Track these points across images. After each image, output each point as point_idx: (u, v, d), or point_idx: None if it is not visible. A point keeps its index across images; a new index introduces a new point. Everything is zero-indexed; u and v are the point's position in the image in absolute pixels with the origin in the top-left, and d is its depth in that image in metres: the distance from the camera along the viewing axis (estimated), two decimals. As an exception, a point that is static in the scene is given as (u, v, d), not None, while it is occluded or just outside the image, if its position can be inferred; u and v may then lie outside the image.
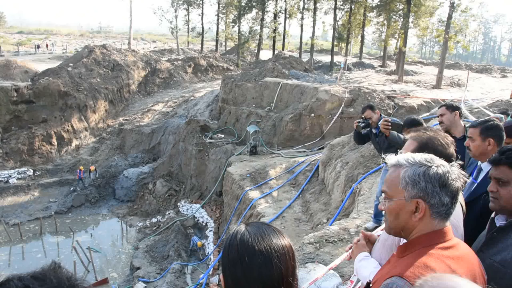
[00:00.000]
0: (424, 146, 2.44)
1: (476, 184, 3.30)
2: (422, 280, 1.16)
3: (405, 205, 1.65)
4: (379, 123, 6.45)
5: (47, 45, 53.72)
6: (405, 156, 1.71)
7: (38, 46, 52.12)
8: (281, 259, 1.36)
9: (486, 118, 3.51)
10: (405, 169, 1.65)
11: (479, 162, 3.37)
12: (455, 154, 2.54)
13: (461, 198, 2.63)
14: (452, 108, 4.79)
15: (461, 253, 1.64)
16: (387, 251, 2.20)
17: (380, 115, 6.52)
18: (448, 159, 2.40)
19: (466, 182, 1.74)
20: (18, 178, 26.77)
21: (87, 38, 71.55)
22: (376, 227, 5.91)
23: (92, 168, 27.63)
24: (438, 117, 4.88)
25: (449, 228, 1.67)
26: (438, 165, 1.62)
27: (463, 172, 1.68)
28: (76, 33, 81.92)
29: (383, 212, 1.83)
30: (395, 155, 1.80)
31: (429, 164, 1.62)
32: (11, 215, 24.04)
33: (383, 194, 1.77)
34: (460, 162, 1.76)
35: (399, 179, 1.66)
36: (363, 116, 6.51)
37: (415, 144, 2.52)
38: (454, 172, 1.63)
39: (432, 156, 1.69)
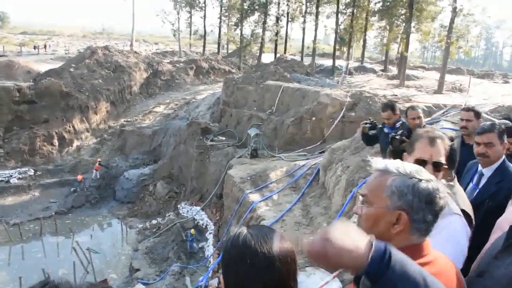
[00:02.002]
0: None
1: (477, 190, 3.26)
2: None
3: (385, 215, 1.57)
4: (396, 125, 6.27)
5: (45, 46, 53.10)
6: (394, 163, 1.63)
7: (35, 47, 51.84)
8: (283, 263, 1.35)
9: (492, 122, 3.47)
10: (393, 178, 1.56)
11: (479, 167, 3.32)
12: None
13: (469, 209, 2.58)
14: (479, 115, 4.49)
15: (437, 269, 1.56)
16: None
17: (400, 117, 6.25)
18: (455, 154, 2.43)
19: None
20: (19, 178, 26.78)
21: (90, 39, 71.76)
22: None
23: (99, 159, 27.79)
24: (461, 120, 4.59)
25: (427, 242, 1.60)
26: (428, 180, 1.55)
27: (448, 191, 1.61)
28: (78, 34, 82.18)
29: (357, 217, 1.73)
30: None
31: (419, 177, 1.54)
32: (11, 215, 24.03)
33: (361, 198, 1.68)
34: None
35: (385, 187, 1.57)
36: (370, 118, 6.37)
37: (426, 141, 2.54)
38: (441, 190, 1.56)
39: (422, 168, 1.61)
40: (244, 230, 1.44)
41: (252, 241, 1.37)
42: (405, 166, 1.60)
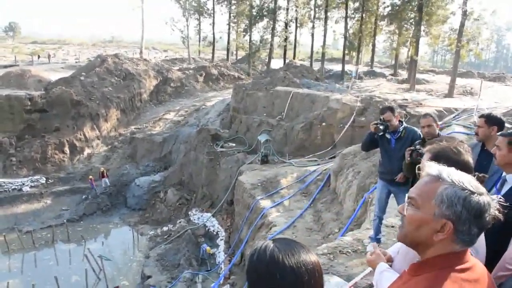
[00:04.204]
0: (437, 157, 2.40)
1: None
2: None
3: (430, 221, 1.56)
4: (399, 129, 6.07)
5: (49, 55, 53.31)
6: (448, 170, 1.62)
7: (38, 56, 52.20)
8: (311, 276, 1.33)
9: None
10: (445, 186, 1.55)
11: (503, 174, 3.29)
12: (471, 160, 2.49)
13: None
14: (491, 122, 4.41)
15: (477, 276, 1.58)
16: (408, 264, 2.16)
17: (401, 121, 6.12)
18: (463, 166, 2.37)
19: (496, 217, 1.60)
20: (31, 186, 27.01)
21: (99, 48, 72.30)
22: None
23: (102, 169, 27.92)
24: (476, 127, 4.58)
25: (467, 250, 1.60)
26: (480, 193, 1.53)
27: (498, 207, 1.58)
28: (88, 42, 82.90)
29: (401, 218, 1.73)
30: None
31: (472, 190, 1.52)
32: (24, 223, 24.25)
33: (407, 199, 1.68)
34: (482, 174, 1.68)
35: (435, 194, 1.56)
36: (381, 118, 6.05)
37: (428, 156, 2.50)
38: (492, 206, 1.54)
39: (476, 182, 1.58)
40: (270, 243, 1.40)
41: (280, 255, 1.34)
42: (459, 176, 1.59)
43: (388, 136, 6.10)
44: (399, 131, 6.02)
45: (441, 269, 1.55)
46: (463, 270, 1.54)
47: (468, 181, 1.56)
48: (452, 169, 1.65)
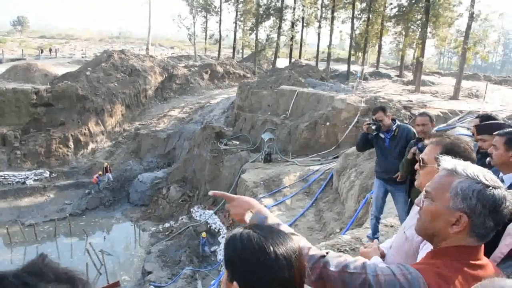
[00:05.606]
0: (449, 150, 2.39)
1: None
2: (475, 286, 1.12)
3: (446, 213, 1.58)
4: (392, 128, 6.19)
5: (50, 50, 53.52)
6: (463, 164, 1.63)
7: (42, 50, 52.38)
8: (299, 261, 1.30)
9: (509, 130, 3.44)
10: (460, 180, 1.56)
11: (501, 174, 3.29)
12: (476, 160, 2.50)
13: None
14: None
15: (490, 273, 1.57)
16: (402, 258, 2.17)
17: (394, 120, 6.21)
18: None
19: None
20: (34, 180, 27.13)
21: (106, 43, 72.52)
22: None
23: (106, 164, 27.98)
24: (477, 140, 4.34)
25: (482, 247, 1.60)
26: (495, 186, 1.52)
27: None
28: (95, 38, 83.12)
29: (417, 210, 1.76)
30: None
31: (487, 183, 1.52)
32: (27, 216, 24.37)
33: (425, 192, 1.69)
34: None
35: (451, 187, 1.57)
36: (373, 118, 6.15)
37: (439, 149, 2.48)
38: (508, 199, 1.53)
39: (491, 174, 1.59)
40: (251, 232, 1.33)
41: (267, 243, 1.29)
42: (474, 169, 1.60)
43: (382, 135, 6.15)
44: (393, 130, 6.09)
45: (452, 260, 1.56)
46: (474, 266, 1.55)
47: (483, 174, 1.56)
48: (468, 163, 1.66)
